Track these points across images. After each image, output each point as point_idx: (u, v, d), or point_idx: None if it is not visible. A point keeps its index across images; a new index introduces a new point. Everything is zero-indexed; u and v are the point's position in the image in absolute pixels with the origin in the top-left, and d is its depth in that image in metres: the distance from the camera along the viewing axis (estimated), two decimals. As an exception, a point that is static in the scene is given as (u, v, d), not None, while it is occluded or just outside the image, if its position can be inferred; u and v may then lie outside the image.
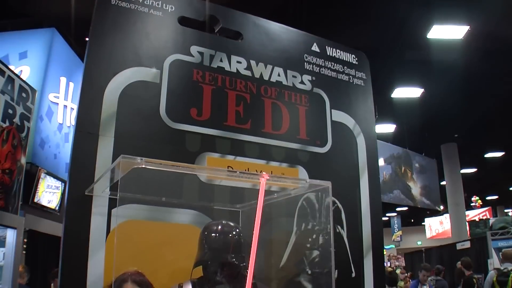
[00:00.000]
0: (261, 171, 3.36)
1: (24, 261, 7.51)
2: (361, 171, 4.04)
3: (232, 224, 2.77)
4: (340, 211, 3.79)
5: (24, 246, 7.76)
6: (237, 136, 3.48)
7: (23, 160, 5.61)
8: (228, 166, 3.39)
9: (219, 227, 2.72)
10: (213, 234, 2.70)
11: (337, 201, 3.75)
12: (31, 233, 7.97)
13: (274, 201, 2.95)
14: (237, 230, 2.74)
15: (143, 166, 2.17)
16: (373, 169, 4.14)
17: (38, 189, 8.01)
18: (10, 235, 4.89)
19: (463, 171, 18.71)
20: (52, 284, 6.26)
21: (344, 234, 3.79)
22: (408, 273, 15.91)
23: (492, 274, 7.59)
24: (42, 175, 8.08)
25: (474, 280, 8.72)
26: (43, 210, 8.25)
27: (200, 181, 3.22)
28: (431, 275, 9.16)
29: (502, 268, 7.37)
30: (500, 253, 10.17)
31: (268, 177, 2.37)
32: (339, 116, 4.04)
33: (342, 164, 3.96)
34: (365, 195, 4.01)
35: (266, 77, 3.75)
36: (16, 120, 5.45)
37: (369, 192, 4.03)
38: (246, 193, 3.27)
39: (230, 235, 2.69)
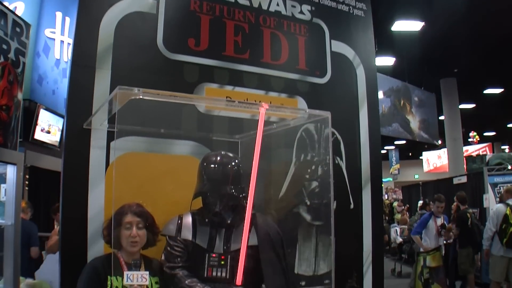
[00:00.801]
0: (260, 101, 3.33)
1: (27, 197, 7.59)
2: (361, 103, 4.02)
3: (231, 155, 2.75)
4: (339, 142, 3.80)
5: (27, 182, 7.84)
6: (235, 66, 3.44)
7: (20, 96, 5.54)
8: (226, 97, 3.37)
9: (218, 158, 2.70)
10: (212, 165, 2.68)
11: (336, 132, 3.75)
12: (33, 169, 8.02)
13: (273, 131, 2.95)
14: (236, 161, 2.72)
15: (141, 97, 2.15)
16: (373, 101, 4.12)
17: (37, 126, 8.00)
18: (11, 171, 4.89)
19: (461, 106, 18.61)
20: (54, 219, 6.34)
21: (343, 165, 3.81)
22: (405, 206, 16.14)
23: (501, 207, 7.45)
24: (41, 111, 8.05)
25: (468, 214, 8.70)
26: (44, 146, 8.27)
27: (198, 111, 3.21)
28: (445, 206, 8.37)
29: (510, 203, 7.38)
30: (496, 188, 10.28)
31: (267, 107, 2.35)
32: (339, 46, 3.97)
33: (342, 95, 3.93)
34: (364, 127, 4.00)
35: (264, 7, 3.66)
36: (11, 55, 5.34)
37: (368, 124, 4.03)
38: (245, 124, 3.26)
39: (229, 166, 2.67)
